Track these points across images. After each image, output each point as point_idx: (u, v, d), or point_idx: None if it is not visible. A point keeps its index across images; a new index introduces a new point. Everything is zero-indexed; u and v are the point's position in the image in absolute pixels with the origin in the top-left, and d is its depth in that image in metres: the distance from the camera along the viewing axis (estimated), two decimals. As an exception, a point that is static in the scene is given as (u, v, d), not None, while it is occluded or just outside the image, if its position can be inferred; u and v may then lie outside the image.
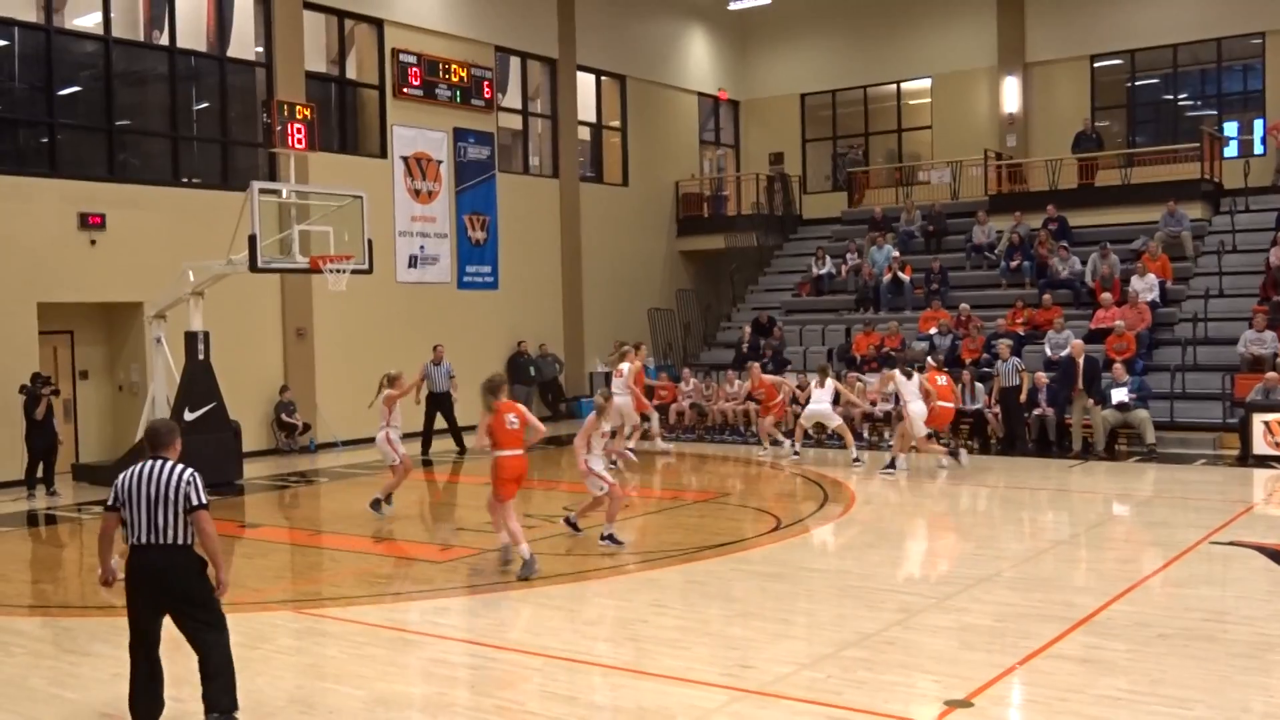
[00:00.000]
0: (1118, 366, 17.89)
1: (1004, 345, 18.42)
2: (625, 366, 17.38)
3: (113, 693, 7.35)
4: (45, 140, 18.05)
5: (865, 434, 19.80)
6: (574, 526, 12.06)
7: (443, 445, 20.16)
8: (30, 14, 17.82)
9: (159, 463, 6.56)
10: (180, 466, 6.58)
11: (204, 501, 6.49)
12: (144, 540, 6.42)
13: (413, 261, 22.78)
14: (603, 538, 11.46)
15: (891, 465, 16.26)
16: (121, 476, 6.55)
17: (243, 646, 8.42)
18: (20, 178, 17.31)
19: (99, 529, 6.73)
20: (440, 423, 20.22)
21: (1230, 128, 26.04)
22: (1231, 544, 11.05)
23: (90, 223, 17.84)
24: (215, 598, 6.58)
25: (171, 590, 6.47)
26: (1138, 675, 7.19)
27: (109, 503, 6.56)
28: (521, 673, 7.68)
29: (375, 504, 13.81)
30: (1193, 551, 10.84)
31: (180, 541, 6.45)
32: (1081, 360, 17.59)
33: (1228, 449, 17.31)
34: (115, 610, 9.57)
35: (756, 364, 19.57)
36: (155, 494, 6.41)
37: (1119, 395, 17.54)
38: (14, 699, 7.33)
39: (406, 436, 16.71)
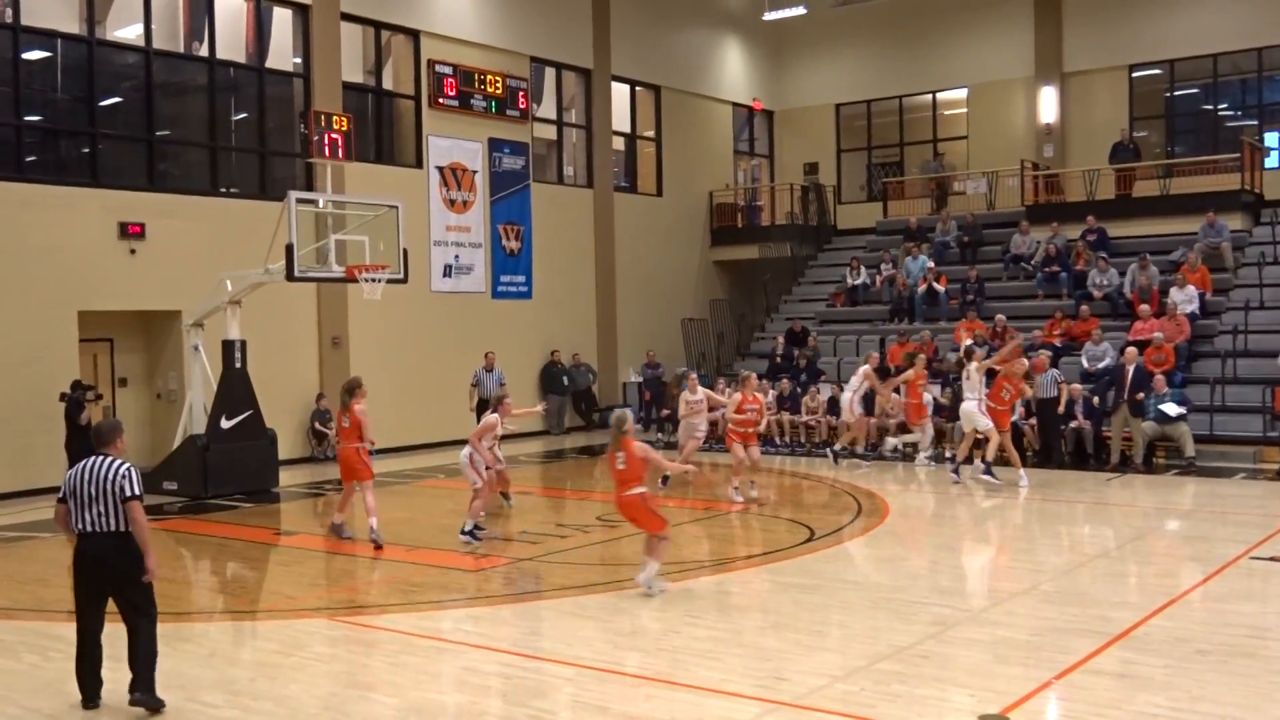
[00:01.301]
0: (1158, 378, 17.69)
1: (1041, 356, 18.16)
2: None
3: (149, 698, 7.41)
4: (86, 150, 18.28)
5: (900, 445, 19.68)
6: (473, 535, 12.54)
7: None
8: (73, 26, 18.06)
9: (102, 459, 7.27)
10: (119, 461, 7.27)
11: (137, 493, 7.17)
12: (88, 529, 7.17)
13: (447, 271, 22.90)
14: (463, 532, 12.45)
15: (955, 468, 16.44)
16: (70, 472, 7.34)
17: (277, 654, 8.49)
18: (62, 187, 17.53)
19: (55, 517, 7.47)
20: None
21: (1271, 138, 25.75)
22: (1272, 559, 10.90)
23: (130, 232, 18.04)
24: (151, 587, 7.28)
25: (113, 573, 7.19)
26: (1176, 691, 7.10)
27: (60, 495, 7.36)
28: (554, 682, 7.68)
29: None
30: (1232, 566, 10.71)
31: (119, 529, 7.15)
32: (1132, 369, 17.38)
33: (1268, 463, 17.09)
34: (152, 616, 9.65)
35: (753, 374, 16.42)
36: (96, 487, 7.13)
37: (1173, 410, 17.29)
38: (51, 702, 7.42)
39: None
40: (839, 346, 23.47)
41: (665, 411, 23.12)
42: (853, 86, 30.18)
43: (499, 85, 23.69)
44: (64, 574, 12.17)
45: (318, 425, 20.16)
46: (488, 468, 13.04)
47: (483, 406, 19.61)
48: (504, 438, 13.85)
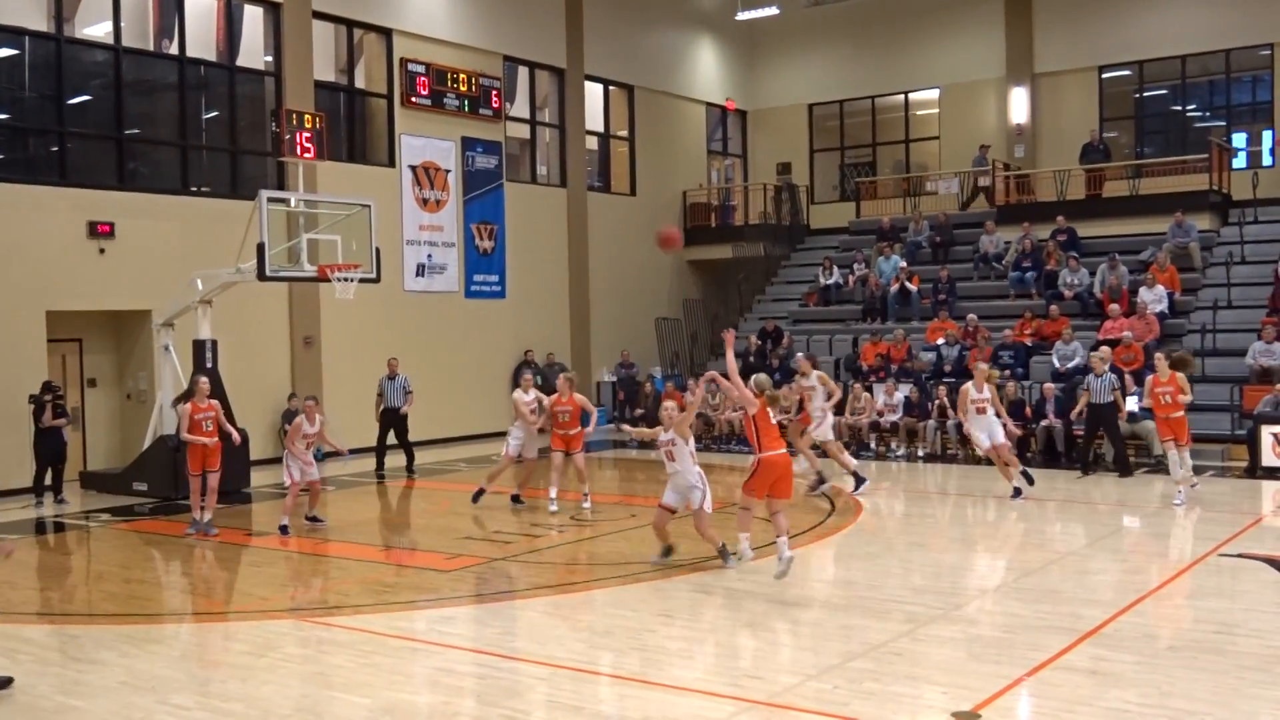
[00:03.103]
0: (1127, 378, 17.80)
1: (1096, 359, 16.82)
2: None
3: (121, 700, 7.36)
4: (55, 149, 18.10)
5: (873, 444, 19.78)
6: (283, 530, 13.35)
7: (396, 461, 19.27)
8: (41, 23, 17.88)
9: None
10: None
11: None
12: None
13: (420, 270, 22.82)
14: (280, 527, 13.25)
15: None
16: None
17: (249, 655, 8.44)
18: (30, 186, 17.36)
19: None
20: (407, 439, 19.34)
21: (1239, 139, 26.03)
22: (1240, 556, 11.00)
23: (99, 231, 17.89)
24: None
25: None
26: (1147, 687, 7.16)
27: None
28: (528, 682, 7.67)
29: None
30: (1201, 564, 10.81)
31: None
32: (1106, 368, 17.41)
33: (1236, 461, 17.25)
34: (123, 618, 9.60)
35: (565, 375, 15.20)
36: None
37: (1129, 405, 17.39)
38: (21, 707, 7.33)
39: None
40: (812, 346, 23.51)
41: (639, 411, 23.18)
42: (825, 87, 30.28)
43: (472, 84, 23.64)
44: (33, 576, 12.11)
45: (288, 426, 20.03)
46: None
47: (386, 416, 19.00)
48: (479, 436, 13.81)
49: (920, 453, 19.20)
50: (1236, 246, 22.23)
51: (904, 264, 24.25)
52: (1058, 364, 19.35)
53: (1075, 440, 17.92)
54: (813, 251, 28.33)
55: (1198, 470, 16.83)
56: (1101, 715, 6.68)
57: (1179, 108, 27.07)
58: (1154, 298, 20.36)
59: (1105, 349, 17.69)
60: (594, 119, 27.18)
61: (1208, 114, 26.89)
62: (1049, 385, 18.32)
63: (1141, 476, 16.66)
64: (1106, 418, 16.61)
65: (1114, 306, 20.27)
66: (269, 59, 20.70)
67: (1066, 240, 23.04)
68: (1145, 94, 27.17)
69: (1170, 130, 27.23)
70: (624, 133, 28.14)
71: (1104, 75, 27.00)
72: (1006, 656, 7.90)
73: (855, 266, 25.28)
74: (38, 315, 17.27)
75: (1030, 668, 7.55)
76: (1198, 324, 20.25)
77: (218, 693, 7.51)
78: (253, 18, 20.56)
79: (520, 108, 25.64)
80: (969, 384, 15.44)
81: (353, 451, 20.48)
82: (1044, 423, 18.12)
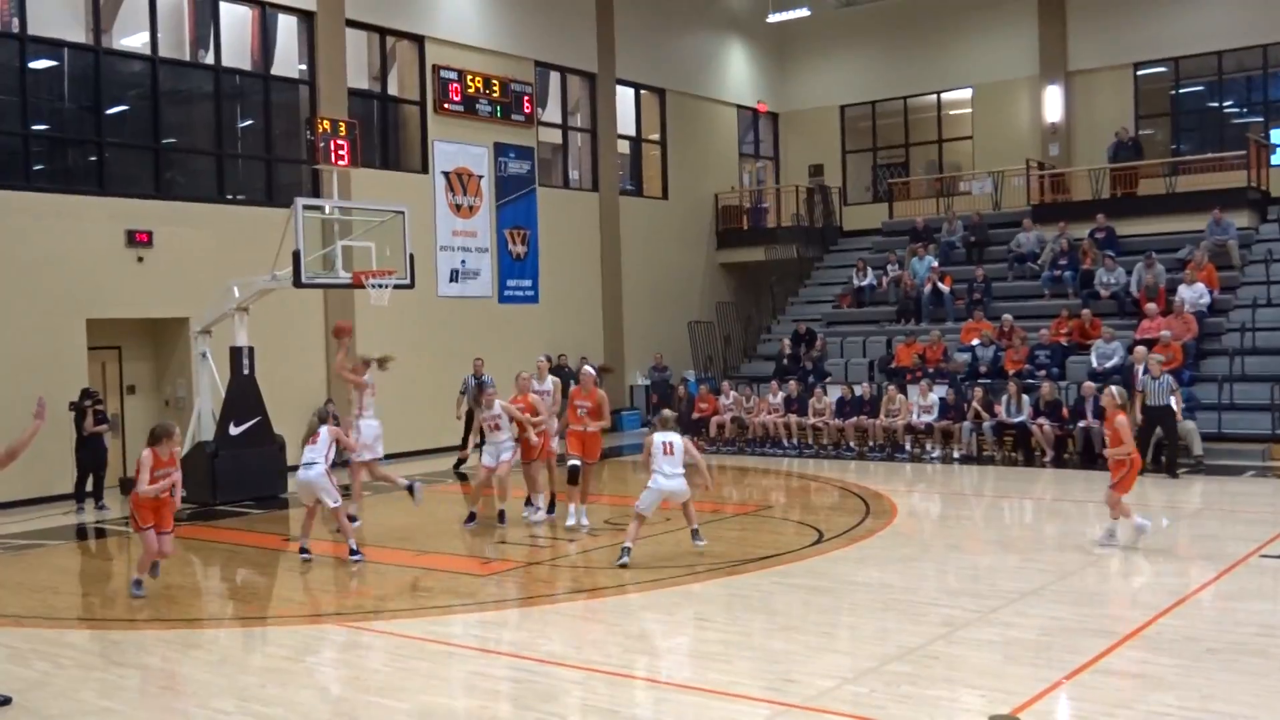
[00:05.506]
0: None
1: (1154, 361, 16.61)
2: None
3: (162, 704, 7.44)
4: (94, 159, 18.33)
5: (908, 445, 19.67)
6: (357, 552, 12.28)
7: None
8: (79, 35, 18.12)
9: None
10: None
11: None
12: None
13: (454, 276, 22.92)
14: (352, 553, 11.90)
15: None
16: None
17: (288, 659, 8.51)
18: (69, 196, 17.59)
19: None
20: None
21: (1277, 135, 25.72)
22: (1282, 557, 10.88)
23: (138, 240, 18.09)
24: None
25: None
26: (1187, 691, 7.09)
27: None
28: (563, 686, 7.69)
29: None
30: (1242, 565, 10.68)
31: None
32: (1141, 368, 17.25)
33: (1277, 460, 17.05)
34: (164, 623, 9.69)
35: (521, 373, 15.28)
36: None
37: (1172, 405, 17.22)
38: (64, 711, 7.42)
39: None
40: (846, 348, 23.46)
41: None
42: (857, 88, 30.19)
43: (504, 90, 23.73)
44: (74, 581, 12.25)
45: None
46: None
47: (470, 414, 19.25)
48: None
49: (956, 454, 19.08)
50: (1276, 244, 21.95)
51: (936, 264, 24.13)
52: (1096, 363, 19.15)
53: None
54: (846, 253, 28.24)
55: (1239, 471, 16.60)
56: (1142, 719, 6.62)
57: (1215, 104, 26.81)
58: (1194, 295, 20.15)
59: (1141, 349, 17.50)
60: (626, 123, 27.23)
61: (1245, 110, 26.61)
62: (1088, 385, 18.14)
63: (1183, 477, 16.49)
64: (1164, 420, 16.37)
65: (1151, 306, 20.07)
66: (303, 67, 20.87)
67: (1104, 239, 22.85)
68: (1181, 90, 26.92)
69: (1207, 127, 26.97)
70: (656, 136, 28.17)
71: (1139, 72, 26.77)
72: (1045, 659, 7.85)
73: (889, 268, 25.16)
74: (78, 323, 17.48)
75: (1069, 671, 7.49)
76: (1237, 322, 20.03)
77: (257, 697, 7.57)
78: (287, 27, 20.74)
79: (552, 112, 25.73)
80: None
81: (390, 456, 20.69)
82: (1082, 423, 17.95)
